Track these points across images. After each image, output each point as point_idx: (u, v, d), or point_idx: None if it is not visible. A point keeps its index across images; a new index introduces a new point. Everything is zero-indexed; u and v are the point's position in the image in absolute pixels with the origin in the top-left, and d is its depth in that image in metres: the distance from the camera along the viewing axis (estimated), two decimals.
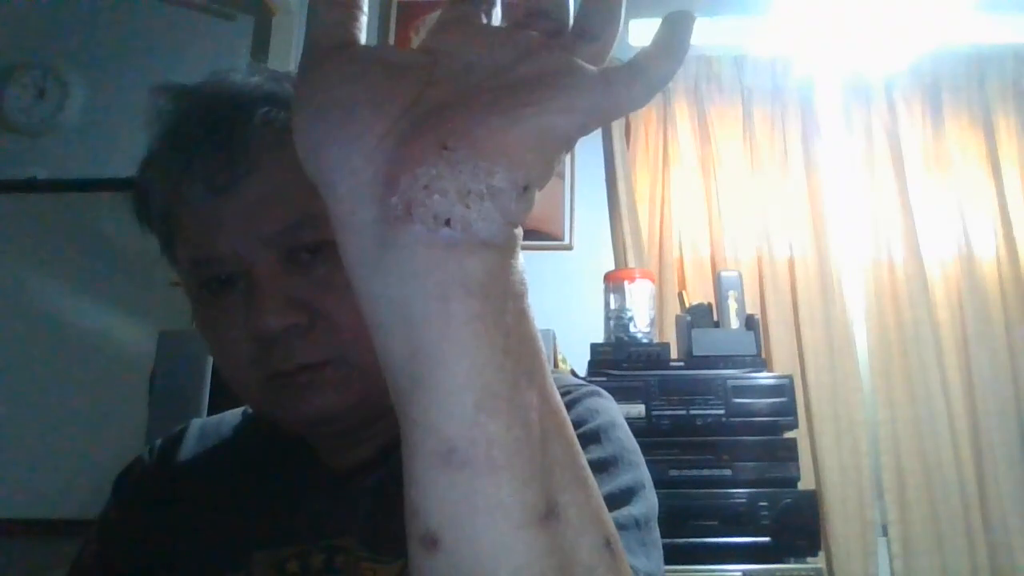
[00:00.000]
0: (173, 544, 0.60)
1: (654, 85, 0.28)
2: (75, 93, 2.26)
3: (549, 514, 0.25)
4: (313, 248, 0.52)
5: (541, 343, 0.28)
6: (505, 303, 0.26)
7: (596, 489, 0.29)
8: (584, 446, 0.56)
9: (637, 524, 0.51)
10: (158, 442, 0.68)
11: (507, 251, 0.26)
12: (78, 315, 2.07)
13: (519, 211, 0.26)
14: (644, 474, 0.57)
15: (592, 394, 0.61)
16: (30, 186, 2.12)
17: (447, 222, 0.25)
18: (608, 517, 0.29)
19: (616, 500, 0.51)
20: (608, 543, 0.27)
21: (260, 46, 2.21)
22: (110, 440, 1.80)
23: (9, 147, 2.23)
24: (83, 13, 2.33)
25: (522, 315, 0.27)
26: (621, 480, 0.53)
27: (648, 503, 0.54)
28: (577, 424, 0.56)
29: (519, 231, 0.27)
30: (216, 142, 0.52)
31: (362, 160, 0.26)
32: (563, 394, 0.59)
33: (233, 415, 0.70)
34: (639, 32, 1.94)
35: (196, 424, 0.69)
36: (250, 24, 2.30)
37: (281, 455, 0.61)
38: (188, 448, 0.66)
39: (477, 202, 0.25)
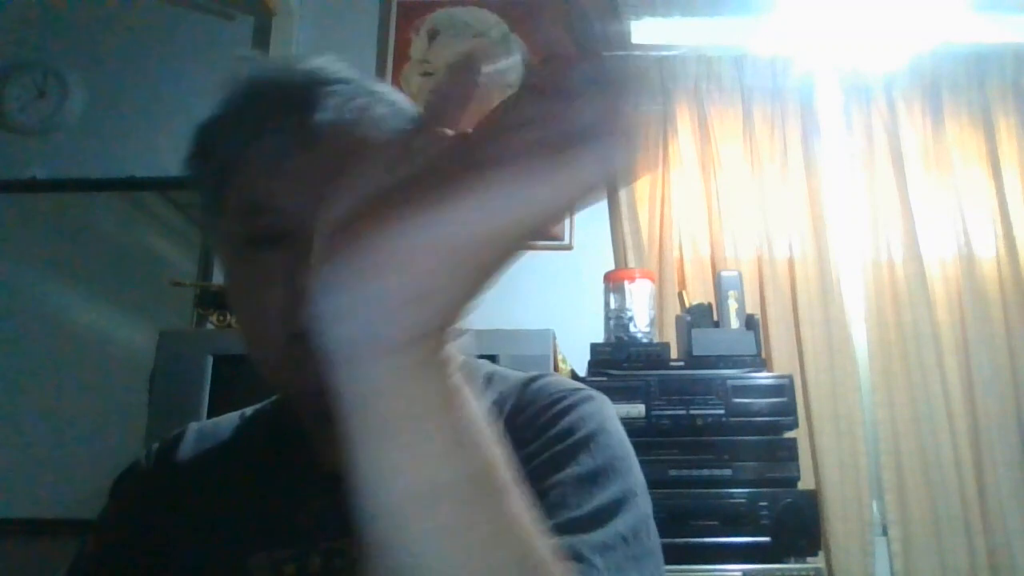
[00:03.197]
0: (171, 547, 0.59)
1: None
2: (75, 93, 2.26)
3: None
4: None
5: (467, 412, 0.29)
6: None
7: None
8: (574, 456, 0.57)
9: (625, 540, 0.51)
10: (155, 445, 0.68)
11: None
12: (78, 315, 2.07)
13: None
14: (635, 479, 0.57)
15: (585, 400, 0.61)
16: (30, 186, 2.12)
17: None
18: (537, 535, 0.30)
19: (603, 515, 0.51)
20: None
21: (260, 46, 2.21)
22: (110, 440, 1.80)
23: (9, 147, 2.23)
24: (83, 13, 2.33)
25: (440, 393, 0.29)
26: (610, 491, 0.53)
27: (638, 511, 0.54)
28: (568, 434, 0.56)
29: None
30: (295, 105, 0.54)
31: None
32: (557, 400, 0.59)
33: (230, 418, 0.69)
34: (642, 32, 1.93)
35: (194, 427, 0.69)
36: (250, 24, 2.30)
37: (279, 457, 0.61)
38: (186, 451, 0.66)
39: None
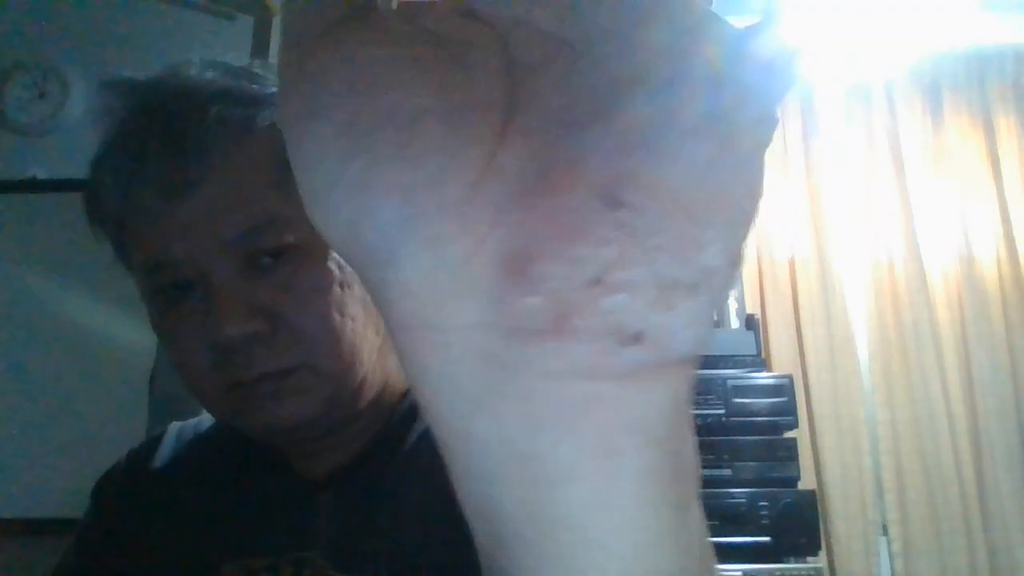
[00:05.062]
0: (144, 554, 0.58)
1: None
2: (75, 93, 2.26)
3: None
4: (274, 252, 0.49)
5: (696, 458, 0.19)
6: (683, 440, 0.17)
7: None
8: None
9: None
10: (133, 448, 0.66)
11: (694, 361, 0.16)
12: (78, 315, 2.07)
13: (727, 295, 0.17)
14: None
15: None
16: (30, 186, 2.12)
17: (637, 337, 0.14)
18: None
19: None
20: None
21: (260, 46, 2.21)
22: (110, 440, 1.80)
23: (9, 147, 2.23)
24: (83, 13, 2.33)
25: (689, 441, 0.18)
26: None
27: None
28: None
29: None
30: (169, 143, 0.49)
31: (445, 225, 0.15)
32: None
33: (210, 418, 0.67)
34: None
35: (174, 428, 0.67)
36: (250, 24, 2.29)
37: (254, 463, 0.59)
38: (163, 455, 0.64)
39: (684, 297, 0.15)
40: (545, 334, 0.14)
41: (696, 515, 0.18)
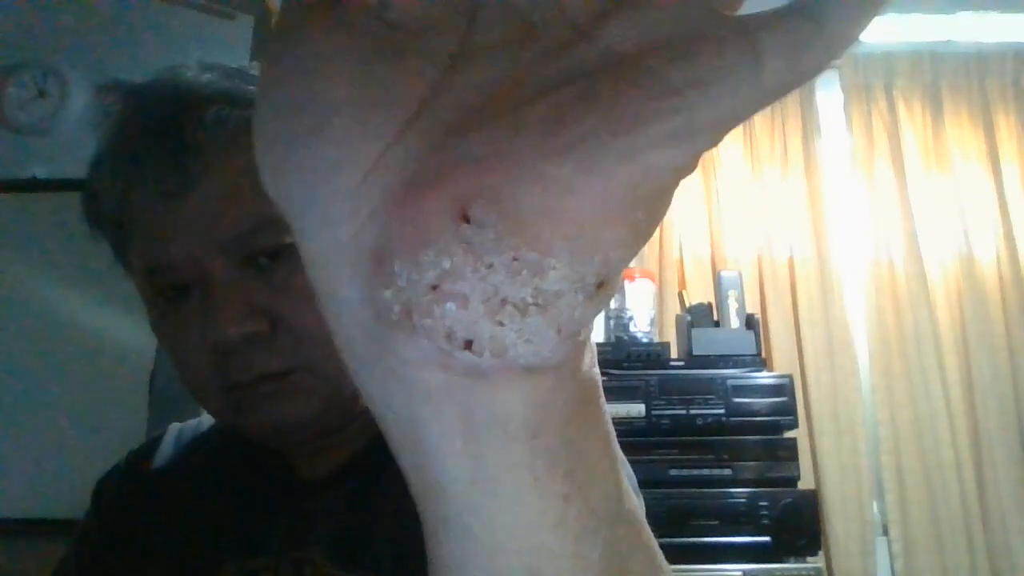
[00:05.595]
0: (144, 555, 0.58)
1: (834, 47, 0.16)
2: (75, 93, 2.26)
3: None
4: (272, 253, 0.49)
5: (614, 441, 0.20)
6: (566, 433, 0.17)
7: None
8: None
9: None
10: (133, 449, 0.67)
11: (565, 367, 0.17)
12: (78, 315, 2.07)
13: (586, 317, 0.16)
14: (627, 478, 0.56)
15: None
16: (30, 186, 2.12)
17: (468, 344, 0.15)
18: None
19: None
20: None
21: (260, 46, 2.21)
22: (110, 440, 1.79)
23: (9, 147, 2.23)
24: (83, 13, 2.33)
25: (593, 429, 0.19)
26: None
27: None
28: None
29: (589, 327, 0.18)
30: (166, 145, 0.49)
31: (338, 207, 0.16)
32: None
33: (208, 419, 0.67)
34: None
35: (174, 429, 0.67)
36: (250, 24, 2.29)
37: (253, 463, 0.59)
38: (163, 455, 0.64)
39: (516, 318, 0.15)
40: (395, 326, 0.16)
41: (606, 511, 0.19)
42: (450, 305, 0.15)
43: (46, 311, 2.06)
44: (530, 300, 0.15)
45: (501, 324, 0.15)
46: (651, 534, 0.22)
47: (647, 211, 0.16)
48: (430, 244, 0.15)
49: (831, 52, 0.16)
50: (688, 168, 0.16)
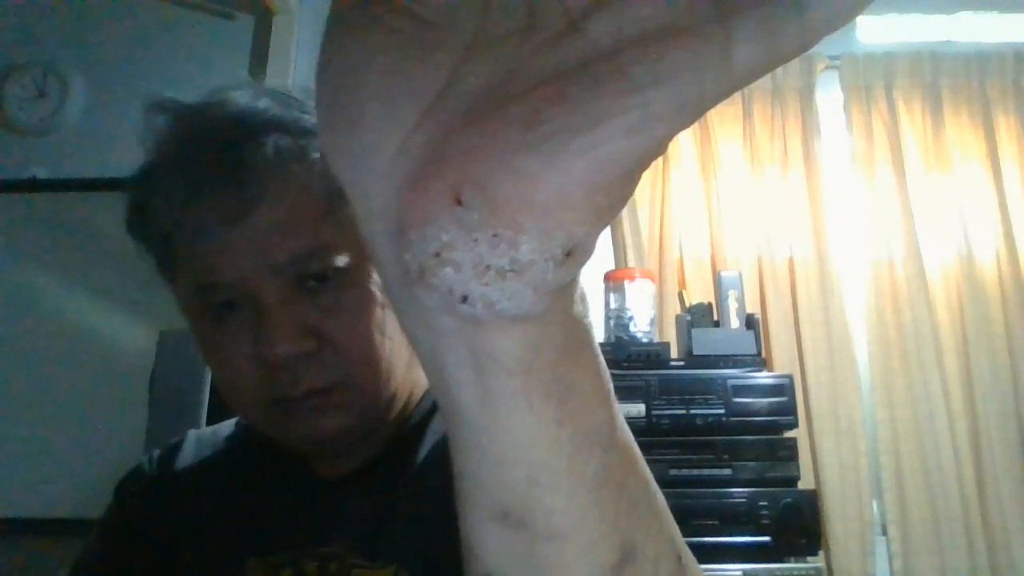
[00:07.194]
0: (170, 553, 0.60)
1: (812, 31, 0.17)
2: (75, 93, 2.26)
3: (624, 560, 0.23)
4: (320, 276, 0.52)
5: (607, 382, 0.24)
6: (556, 369, 0.21)
7: (666, 509, 0.27)
8: None
9: None
10: (157, 451, 0.69)
11: (550, 317, 0.21)
12: (78, 315, 2.07)
13: (559, 279, 0.20)
14: None
15: None
16: (30, 186, 2.12)
17: (464, 298, 0.19)
18: (677, 532, 0.28)
19: None
20: (679, 559, 0.27)
21: (260, 46, 2.21)
22: (110, 440, 1.80)
23: (9, 147, 2.23)
24: (83, 13, 2.33)
25: (584, 369, 0.22)
26: None
27: None
28: None
29: (574, 281, 0.22)
30: (227, 170, 0.51)
31: (373, 183, 0.20)
32: None
33: (227, 425, 0.70)
34: None
35: (192, 435, 0.70)
36: (250, 24, 2.29)
37: (274, 463, 0.61)
38: (185, 458, 0.67)
39: (497, 280, 0.19)
40: (415, 282, 0.19)
41: (599, 436, 0.23)
42: (448, 269, 0.19)
43: (46, 311, 2.06)
44: (507, 268, 0.19)
45: (487, 285, 0.19)
46: (646, 466, 0.26)
47: (608, 195, 0.19)
48: (432, 221, 0.19)
49: (809, 37, 0.18)
50: (653, 152, 0.19)
